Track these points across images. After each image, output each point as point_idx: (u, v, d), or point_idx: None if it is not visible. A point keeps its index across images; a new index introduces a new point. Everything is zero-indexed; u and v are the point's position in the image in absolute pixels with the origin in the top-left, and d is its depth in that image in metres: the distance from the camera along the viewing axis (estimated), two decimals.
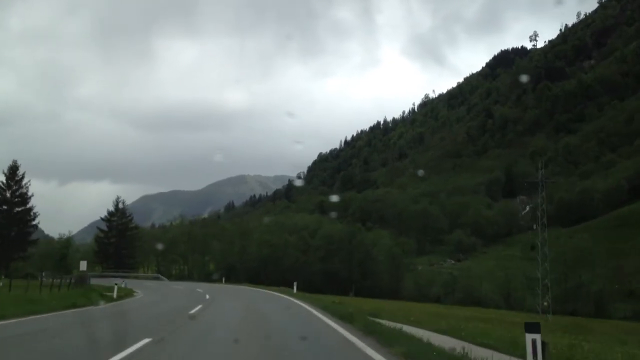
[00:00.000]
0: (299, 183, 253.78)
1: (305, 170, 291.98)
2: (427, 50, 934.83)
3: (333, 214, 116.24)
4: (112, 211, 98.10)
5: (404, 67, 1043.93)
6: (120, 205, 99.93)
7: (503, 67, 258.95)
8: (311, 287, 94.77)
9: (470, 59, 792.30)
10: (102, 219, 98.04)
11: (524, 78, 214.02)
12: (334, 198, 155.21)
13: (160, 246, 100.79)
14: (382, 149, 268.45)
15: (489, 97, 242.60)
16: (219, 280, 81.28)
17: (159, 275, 78.06)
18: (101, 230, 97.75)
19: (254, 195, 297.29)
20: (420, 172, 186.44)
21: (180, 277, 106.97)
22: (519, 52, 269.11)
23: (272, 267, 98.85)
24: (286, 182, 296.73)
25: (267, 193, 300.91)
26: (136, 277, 78.50)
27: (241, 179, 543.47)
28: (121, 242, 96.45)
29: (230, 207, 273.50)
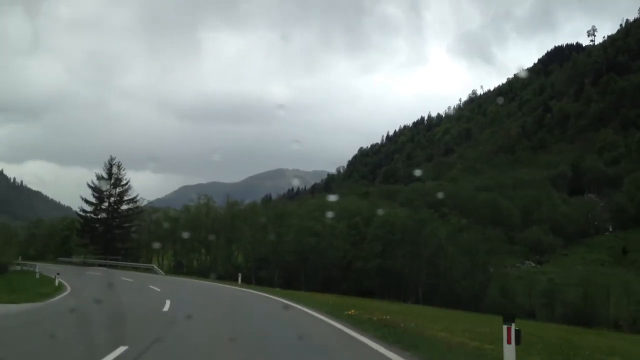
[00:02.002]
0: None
1: (345, 164, 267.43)
2: (475, 47, 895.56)
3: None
4: (102, 176, 73.55)
5: (450, 64, 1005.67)
6: (115, 170, 75.11)
7: (557, 62, 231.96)
8: (362, 289, 69.32)
9: (519, 56, 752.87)
10: (89, 185, 73.87)
11: (586, 72, 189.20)
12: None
13: (165, 226, 76.89)
14: (425, 145, 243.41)
15: (544, 92, 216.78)
16: (231, 281, 56.46)
17: (154, 267, 53.72)
18: (87, 202, 73.76)
19: (292, 189, 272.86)
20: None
21: (200, 272, 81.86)
22: (574, 49, 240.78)
23: (312, 262, 73.33)
24: (324, 177, 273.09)
25: (305, 187, 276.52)
26: (123, 268, 55.99)
27: (280, 173, 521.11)
28: (114, 219, 74.11)
29: (267, 199, 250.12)
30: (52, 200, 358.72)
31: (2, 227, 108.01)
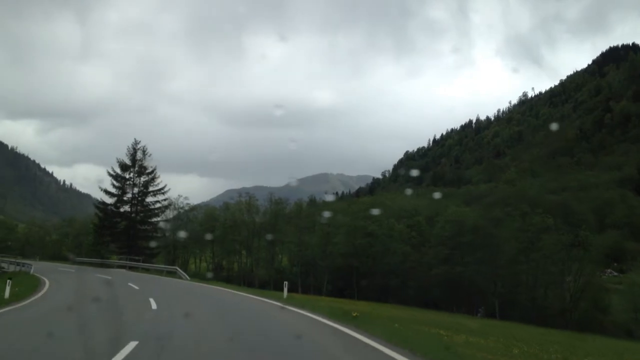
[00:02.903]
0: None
1: (390, 169, 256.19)
2: (524, 50, 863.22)
3: None
4: (124, 162, 62.09)
5: (498, 67, 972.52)
6: (140, 155, 63.45)
7: (613, 63, 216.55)
8: (426, 298, 58.10)
9: (570, 58, 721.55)
10: (109, 173, 62.15)
11: None
12: (436, 195, 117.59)
13: (183, 234, 67.30)
14: (474, 148, 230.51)
15: (600, 93, 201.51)
16: (275, 289, 46.40)
17: (177, 270, 42.82)
18: (107, 192, 61.74)
19: (336, 193, 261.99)
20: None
21: (241, 277, 71.89)
22: (630, 49, 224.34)
23: (366, 267, 62.52)
24: (369, 182, 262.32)
25: (349, 191, 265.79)
26: (143, 271, 45.70)
27: (323, 178, 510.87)
28: (137, 213, 62.80)
29: (311, 203, 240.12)
30: None
31: (35, 226, 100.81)
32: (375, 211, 66.89)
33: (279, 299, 24.74)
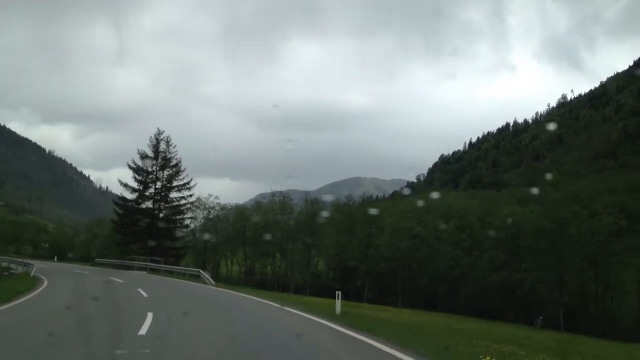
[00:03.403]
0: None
1: (425, 172, 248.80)
2: (562, 52, 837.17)
3: None
4: (145, 153, 55.94)
5: (535, 69, 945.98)
6: (163, 146, 57.04)
7: None
8: (478, 306, 51.96)
9: (610, 60, 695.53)
10: (129, 166, 55.70)
11: None
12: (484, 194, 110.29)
13: (208, 236, 62.19)
14: (512, 151, 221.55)
15: None
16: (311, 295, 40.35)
17: (201, 272, 36.22)
18: (127, 187, 55.42)
19: (370, 196, 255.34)
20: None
21: (274, 280, 66.53)
22: None
23: (411, 272, 56.61)
24: (403, 185, 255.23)
25: (384, 195, 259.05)
26: (164, 273, 39.85)
27: (357, 181, 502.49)
28: (160, 210, 56.32)
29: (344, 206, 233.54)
30: None
31: (64, 226, 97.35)
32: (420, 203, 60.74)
33: (333, 318, 17.13)
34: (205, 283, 31.34)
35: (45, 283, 26.86)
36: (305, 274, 65.25)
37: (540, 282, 47.76)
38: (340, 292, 20.58)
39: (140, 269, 44.83)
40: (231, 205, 72.07)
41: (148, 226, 54.74)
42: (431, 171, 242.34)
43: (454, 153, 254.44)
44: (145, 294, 21.72)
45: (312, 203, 72.01)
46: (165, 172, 56.50)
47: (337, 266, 63.00)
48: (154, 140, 57.10)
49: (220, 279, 61.41)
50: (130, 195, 55.57)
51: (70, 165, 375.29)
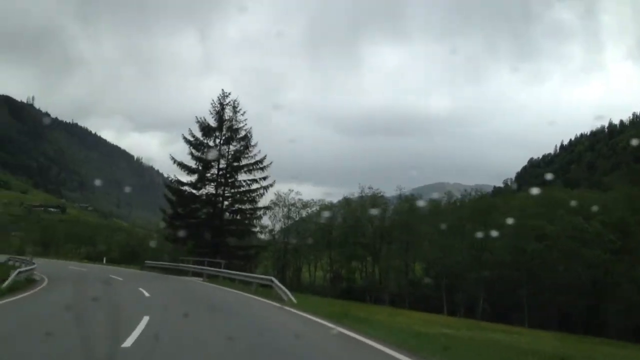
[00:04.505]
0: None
1: (512, 177, 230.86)
2: None
3: None
4: (205, 123, 41.81)
5: (630, 69, 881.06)
6: (229, 113, 42.41)
7: None
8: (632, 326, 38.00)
9: None
10: (184, 139, 41.82)
11: None
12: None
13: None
14: (608, 154, 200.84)
15: None
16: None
17: (273, 281, 25.66)
18: (182, 166, 41.52)
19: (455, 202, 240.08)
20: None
21: (366, 290, 55.74)
22: None
23: (539, 283, 44.04)
24: (488, 191, 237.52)
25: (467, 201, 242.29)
26: (223, 282, 28.09)
27: (440, 187, 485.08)
28: (225, 198, 42.38)
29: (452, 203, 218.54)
30: None
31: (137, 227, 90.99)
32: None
33: None
34: (282, 300, 18.87)
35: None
36: (401, 280, 53.91)
37: None
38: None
39: (196, 273, 33.16)
40: (315, 202, 61.53)
41: (209, 218, 41.75)
42: (519, 175, 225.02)
43: (544, 157, 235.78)
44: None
45: (407, 200, 60.61)
46: (232, 147, 41.94)
47: (442, 273, 51.12)
48: (217, 105, 42.18)
49: (303, 287, 51.08)
50: (186, 178, 42.00)
51: (157, 171, 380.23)
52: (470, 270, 48.36)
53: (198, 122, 41.77)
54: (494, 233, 46.46)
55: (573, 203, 45.02)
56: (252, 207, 42.36)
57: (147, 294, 18.63)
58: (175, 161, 41.04)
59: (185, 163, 41.24)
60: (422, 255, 54.30)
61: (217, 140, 41.98)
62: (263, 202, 42.75)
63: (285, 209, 60.44)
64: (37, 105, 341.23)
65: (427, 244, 53.47)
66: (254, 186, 41.55)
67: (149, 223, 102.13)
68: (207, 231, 39.42)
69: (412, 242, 53.41)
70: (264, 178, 41.50)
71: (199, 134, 41.86)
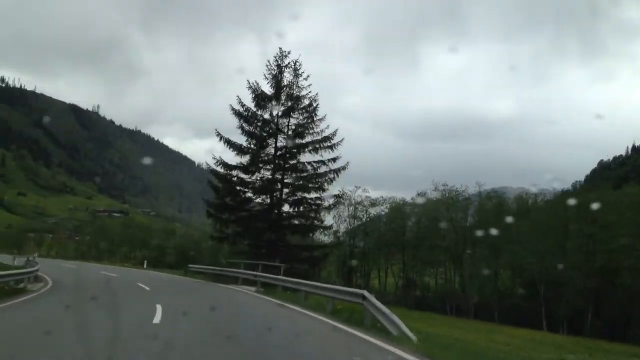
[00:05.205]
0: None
1: (581, 180, 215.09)
2: None
3: None
4: (261, 92, 32.00)
5: None
6: (289, 76, 32.49)
7: None
8: None
9: None
10: (232, 110, 31.95)
11: None
12: None
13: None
14: None
15: None
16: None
17: (366, 296, 18.10)
18: (230, 145, 31.91)
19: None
20: None
21: (445, 299, 48.18)
22: None
23: None
24: (557, 194, 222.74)
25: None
26: (292, 292, 19.56)
27: (503, 191, 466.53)
28: (284, 184, 32.56)
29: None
30: None
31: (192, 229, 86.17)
32: None
33: None
34: (388, 333, 10.18)
35: None
36: (487, 290, 45.91)
37: None
38: None
39: (247, 281, 24.97)
40: (384, 200, 54.03)
41: (264, 210, 32.25)
42: (590, 178, 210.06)
43: (615, 159, 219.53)
44: None
45: (490, 198, 52.57)
46: (293, 120, 32.15)
47: (538, 280, 42.72)
48: (273, 67, 32.20)
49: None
50: (234, 160, 32.13)
51: None
52: (574, 278, 39.96)
53: (250, 87, 31.77)
54: (604, 234, 38.34)
55: None
56: (320, 196, 31.99)
57: (157, 318, 11.81)
58: (221, 137, 31.52)
59: (234, 141, 31.86)
60: (513, 261, 46.01)
61: (274, 112, 32.19)
62: (331, 191, 32.32)
63: (352, 208, 53.53)
64: (102, 113, 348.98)
65: (517, 247, 45.21)
66: (322, 170, 31.61)
67: (206, 226, 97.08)
68: (262, 227, 31.29)
69: (501, 246, 45.27)
70: (334, 160, 31.21)
71: (250, 104, 32.05)
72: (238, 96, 31.89)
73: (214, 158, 31.47)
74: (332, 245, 44.69)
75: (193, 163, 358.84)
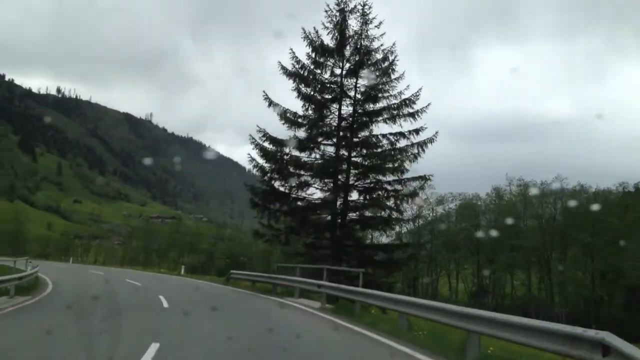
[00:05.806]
0: None
1: None
2: None
3: None
4: (320, 44, 22.85)
5: None
6: (355, 25, 23.11)
7: None
8: None
9: None
10: (283, 70, 22.82)
11: None
12: None
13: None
14: None
15: None
16: None
17: (610, 343, 9.75)
18: (283, 115, 22.95)
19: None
20: None
21: (528, 308, 41.31)
22: None
23: None
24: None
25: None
26: (377, 312, 12.81)
27: None
28: (354, 165, 23.40)
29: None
30: None
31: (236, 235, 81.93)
32: None
33: None
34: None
35: None
36: (584, 298, 38.93)
37: None
38: None
39: (306, 292, 18.30)
40: (453, 196, 47.48)
41: (325, 197, 23.64)
42: None
43: None
44: None
45: (574, 194, 45.36)
46: (361, 81, 23.39)
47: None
48: (334, 13, 23.20)
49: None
50: (285, 133, 23.58)
51: None
52: None
53: (307, 37, 23.23)
54: None
55: None
56: (399, 178, 22.89)
57: None
58: (270, 102, 23.00)
59: (287, 108, 23.36)
60: (611, 264, 38.89)
61: (337, 71, 23.55)
62: (414, 171, 22.84)
63: (415, 206, 47.36)
64: (154, 121, 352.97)
65: (614, 249, 38.13)
66: (401, 143, 22.80)
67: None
68: (324, 220, 23.30)
69: (596, 247, 38.29)
70: (416, 131, 22.39)
71: (307, 62, 23.48)
72: (291, 49, 23.32)
73: (259, 130, 23.11)
74: (421, 243, 37.82)
75: (243, 169, 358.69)
